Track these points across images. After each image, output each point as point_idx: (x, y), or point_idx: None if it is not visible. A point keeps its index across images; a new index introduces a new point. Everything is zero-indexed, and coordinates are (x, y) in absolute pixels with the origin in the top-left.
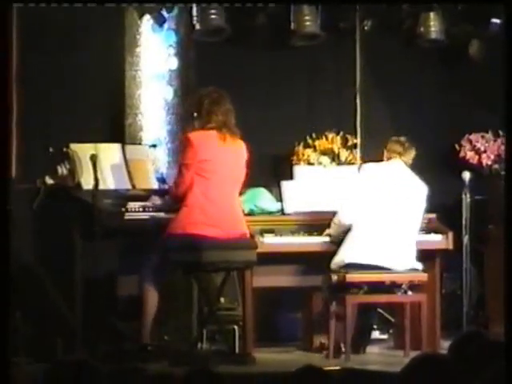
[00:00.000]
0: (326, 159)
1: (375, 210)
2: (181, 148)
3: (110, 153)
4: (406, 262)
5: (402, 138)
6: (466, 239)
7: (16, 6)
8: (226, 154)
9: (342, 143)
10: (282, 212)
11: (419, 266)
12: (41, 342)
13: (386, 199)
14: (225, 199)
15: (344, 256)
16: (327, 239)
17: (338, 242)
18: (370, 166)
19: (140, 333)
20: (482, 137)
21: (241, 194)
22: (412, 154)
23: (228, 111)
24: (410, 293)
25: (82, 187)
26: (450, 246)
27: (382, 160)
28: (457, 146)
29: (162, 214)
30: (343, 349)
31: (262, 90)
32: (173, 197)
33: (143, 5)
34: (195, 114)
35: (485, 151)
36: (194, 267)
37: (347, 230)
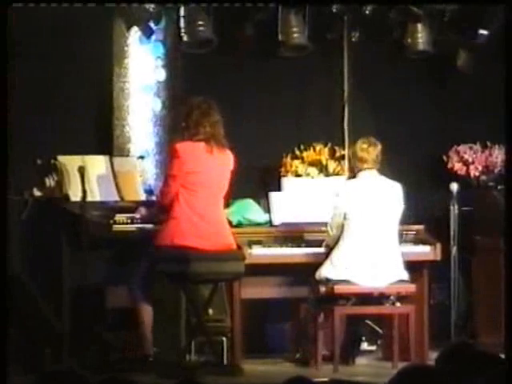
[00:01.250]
0: (313, 170)
1: (358, 226)
2: (168, 158)
3: (97, 165)
4: (393, 276)
5: (364, 145)
6: (453, 250)
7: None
8: (212, 166)
9: (330, 154)
10: (270, 223)
11: (406, 275)
12: (29, 352)
13: (366, 213)
14: (211, 211)
15: (328, 274)
16: (315, 250)
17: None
18: (345, 186)
19: (141, 344)
20: (470, 148)
21: (228, 205)
22: (378, 150)
23: (216, 123)
24: (398, 304)
25: (70, 199)
26: (438, 257)
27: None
28: (444, 158)
29: (149, 226)
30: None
31: (249, 101)
32: (158, 206)
33: (131, 16)
34: (183, 124)
35: (472, 162)
36: (182, 278)
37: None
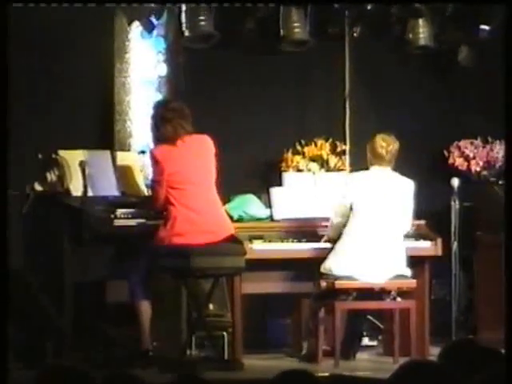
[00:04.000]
0: (315, 166)
1: (363, 218)
2: (151, 164)
3: (99, 159)
4: (394, 271)
5: (383, 143)
6: (454, 245)
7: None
8: (191, 160)
9: (331, 149)
10: (271, 218)
11: (408, 272)
12: (30, 347)
13: (372, 207)
14: (205, 204)
15: (332, 266)
16: (316, 245)
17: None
18: (354, 177)
19: (140, 339)
20: (471, 143)
21: (229, 200)
22: (395, 149)
23: (175, 119)
24: (399, 299)
25: (71, 194)
26: (439, 253)
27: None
28: (446, 153)
29: (151, 221)
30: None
31: (250, 95)
32: (151, 209)
33: (132, 11)
34: (153, 129)
35: (474, 158)
36: (183, 273)
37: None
